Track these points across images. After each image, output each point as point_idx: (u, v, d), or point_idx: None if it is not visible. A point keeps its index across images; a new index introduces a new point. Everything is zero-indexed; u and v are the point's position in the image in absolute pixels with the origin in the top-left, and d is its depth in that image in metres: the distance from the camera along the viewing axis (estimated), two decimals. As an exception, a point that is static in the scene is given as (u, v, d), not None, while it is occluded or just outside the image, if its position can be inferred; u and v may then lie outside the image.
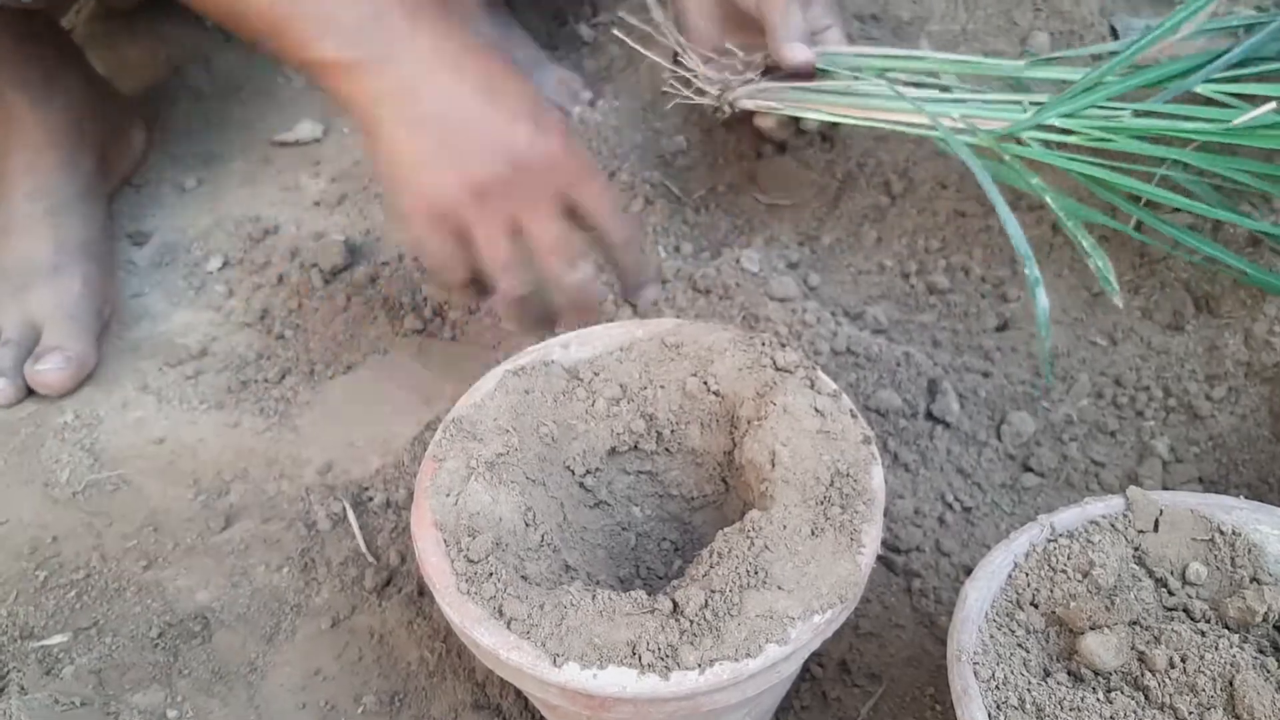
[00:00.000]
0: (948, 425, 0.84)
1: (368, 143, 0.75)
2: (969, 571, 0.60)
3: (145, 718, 0.74)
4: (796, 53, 0.88)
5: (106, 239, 1.05)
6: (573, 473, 0.69)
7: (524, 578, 0.61)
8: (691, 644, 0.57)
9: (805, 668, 0.73)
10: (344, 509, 0.84)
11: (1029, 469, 0.83)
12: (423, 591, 0.79)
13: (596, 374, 0.71)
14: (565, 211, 0.75)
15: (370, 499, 0.85)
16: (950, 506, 0.81)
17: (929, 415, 0.85)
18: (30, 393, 0.95)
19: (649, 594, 0.60)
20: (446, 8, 0.75)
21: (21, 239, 0.98)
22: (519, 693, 0.72)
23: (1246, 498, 0.62)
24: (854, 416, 0.66)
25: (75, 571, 0.82)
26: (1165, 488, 0.80)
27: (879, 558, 0.79)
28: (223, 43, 1.27)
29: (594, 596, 0.59)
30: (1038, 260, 0.93)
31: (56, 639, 0.77)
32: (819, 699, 0.73)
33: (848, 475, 0.63)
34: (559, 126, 0.75)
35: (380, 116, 0.73)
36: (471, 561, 0.61)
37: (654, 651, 0.57)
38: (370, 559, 0.81)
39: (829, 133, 1.06)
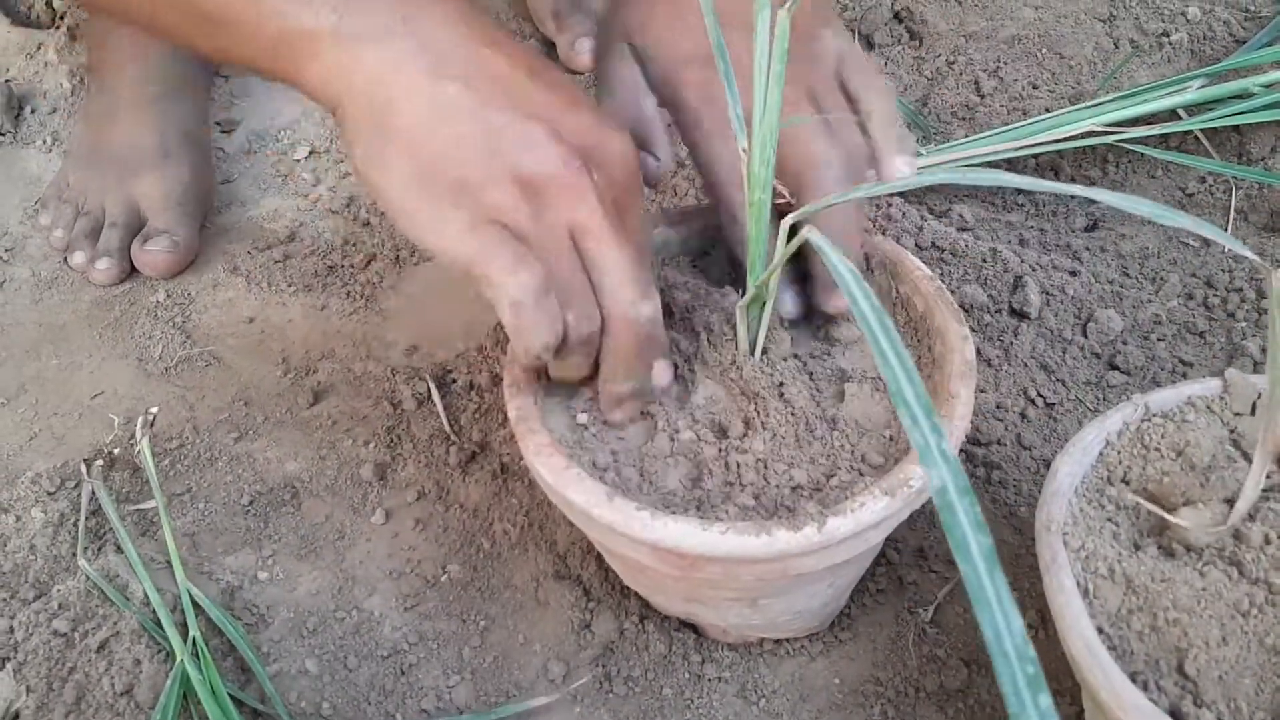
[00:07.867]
0: (1031, 319, 0.83)
1: (351, 146, 0.55)
2: (1049, 465, 0.59)
3: (237, 578, 0.76)
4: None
5: (207, 130, 1.05)
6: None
7: (620, 438, 0.62)
8: (782, 507, 0.57)
9: (881, 552, 0.73)
10: (429, 389, 0.85)
11: (1114, 367, 0.82)
12: (505, 469, 0.80)
13: None
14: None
15: (454, 381, 0.86)
16: (1032, 401, 0.81)
17: (1013, 311, 0.84)
18: (130, 274, 0.97)
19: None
20: None
21: (129, 125, 0.99)
22: (600, 562, 0.73)
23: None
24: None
25: (169, 441, 0.84)
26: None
27: (959, 450, 0.79)
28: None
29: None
30: (1130, 166, 0.92)
31: (151, 503, 0.80)
32: (895, 583, 0.73)
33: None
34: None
35: (389, 100, 0.53)
36: (564, 422, 0.62)
37: (747, 512, 0.57)
38: (454, 437, 0.82)
39: (917, 29, 1.04)
